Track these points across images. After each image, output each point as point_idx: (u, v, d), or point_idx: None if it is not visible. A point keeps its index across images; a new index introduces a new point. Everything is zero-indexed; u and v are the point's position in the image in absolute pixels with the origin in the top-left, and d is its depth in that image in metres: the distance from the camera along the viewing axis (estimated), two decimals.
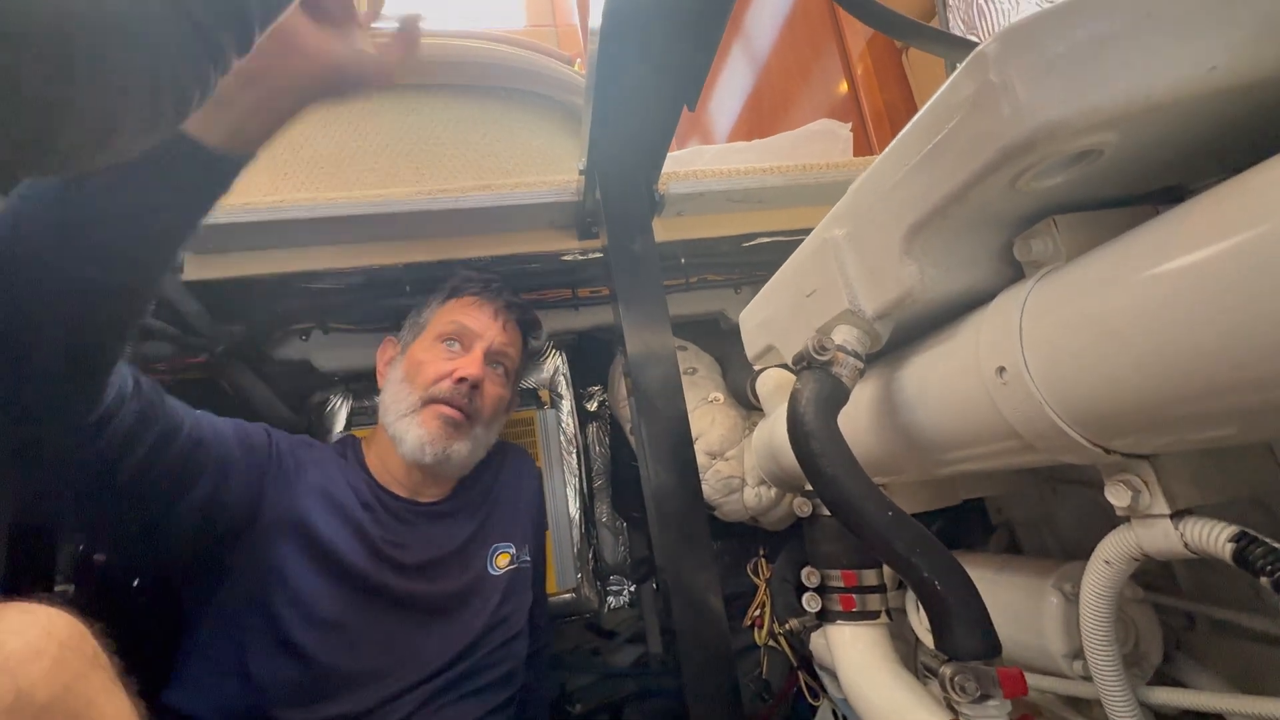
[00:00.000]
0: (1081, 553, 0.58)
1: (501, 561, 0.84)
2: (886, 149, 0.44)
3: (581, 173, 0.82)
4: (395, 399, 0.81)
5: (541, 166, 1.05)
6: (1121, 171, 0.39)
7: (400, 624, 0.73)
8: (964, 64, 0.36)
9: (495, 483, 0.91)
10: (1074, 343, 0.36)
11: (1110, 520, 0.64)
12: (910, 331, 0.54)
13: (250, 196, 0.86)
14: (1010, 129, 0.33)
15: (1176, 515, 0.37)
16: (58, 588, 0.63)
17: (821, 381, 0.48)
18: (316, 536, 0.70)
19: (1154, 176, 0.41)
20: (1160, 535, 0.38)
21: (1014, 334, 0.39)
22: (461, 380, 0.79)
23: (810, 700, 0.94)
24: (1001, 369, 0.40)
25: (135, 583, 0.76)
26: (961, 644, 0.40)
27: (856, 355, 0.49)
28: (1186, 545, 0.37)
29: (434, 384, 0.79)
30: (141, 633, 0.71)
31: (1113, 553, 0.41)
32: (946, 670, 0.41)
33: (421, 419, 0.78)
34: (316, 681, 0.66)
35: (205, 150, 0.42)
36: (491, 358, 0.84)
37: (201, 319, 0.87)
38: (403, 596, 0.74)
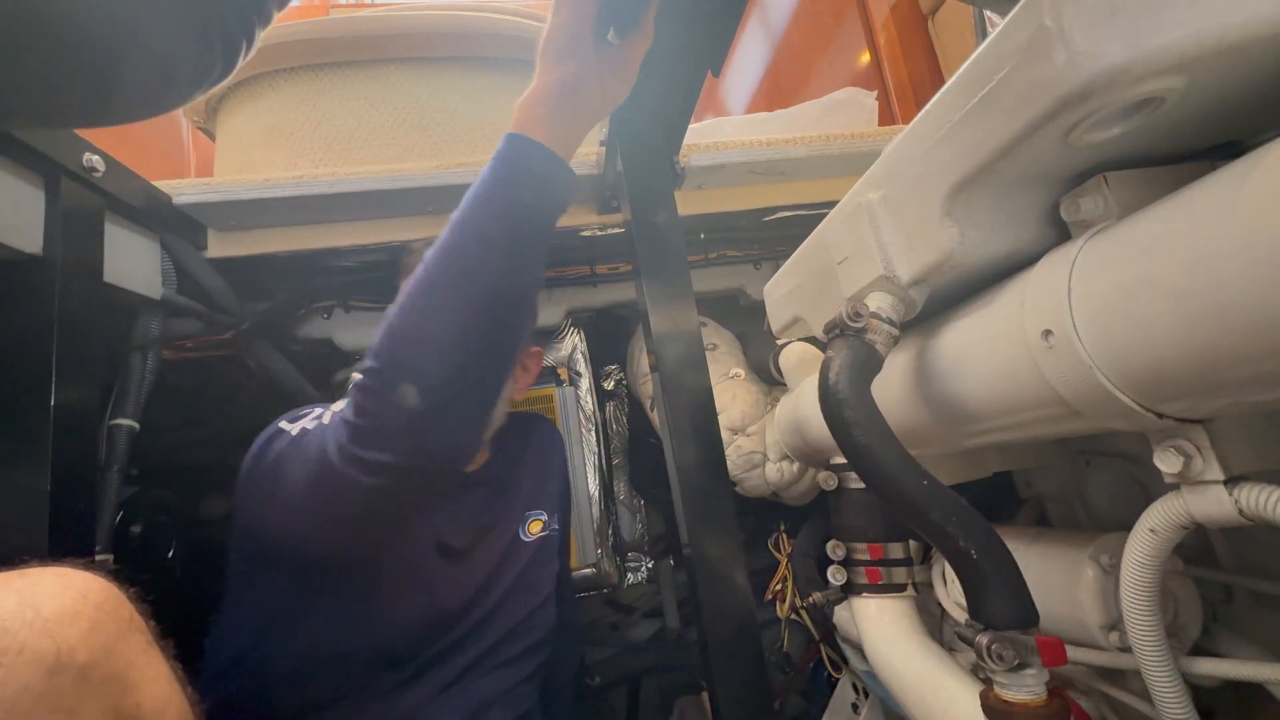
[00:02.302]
0: (1113, 527, 0.57)
1: (534, 528, 0.84)
2: (928, 105, 0.43)
3: (602, 144, 0.80)
4: None
5: None
6: (1179, 124, 0.37)
7: (437, 594, 0.73)
8: (1016, 8, 0.34)
9: (525, 451, 0.91)
10: (1127, 303, 0.35)
11: (1146, 494, 0.63)
12: (945, 299, 0.52)
13: (270, 172, 0.86)
14: (1067, 76, 0.32)
15: (1231, 481, 0.36)
16: (98, 557, 0.64)
17: (855, 349, 0.47)
18: None
19: (1211, 130, 0.39)
20: (1213, 502, 0.37)
21: (1062, 295, 0.38)
22: None
23: (832, 673, 0.95)
24: (1048, 332, 0.39)
25: (170, 553, 0.78)
26: (1000, 612, 0.40)
27: (891, 322, 0.48)
28: (1241, 511, 0.35)
29: None
30: (179, 598, 0.73)
31: (1159, 521, 0.40)
32: (983, 639, 0.40)
33: None
34: (348, 623, 0.66)
35: (561, 161, 0.53)
36: None
37: (227, 296, 0.88)
38: (442, 575, 0.73)
